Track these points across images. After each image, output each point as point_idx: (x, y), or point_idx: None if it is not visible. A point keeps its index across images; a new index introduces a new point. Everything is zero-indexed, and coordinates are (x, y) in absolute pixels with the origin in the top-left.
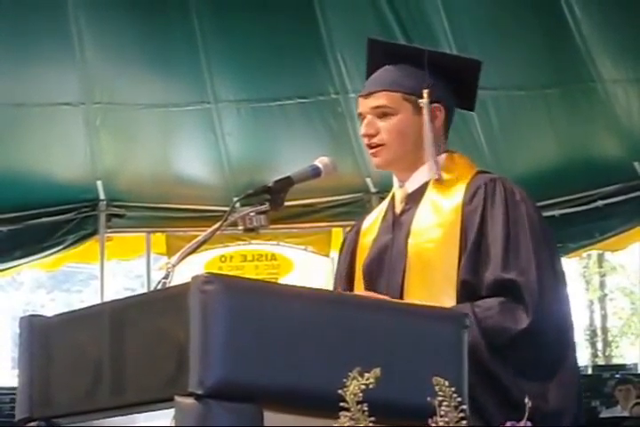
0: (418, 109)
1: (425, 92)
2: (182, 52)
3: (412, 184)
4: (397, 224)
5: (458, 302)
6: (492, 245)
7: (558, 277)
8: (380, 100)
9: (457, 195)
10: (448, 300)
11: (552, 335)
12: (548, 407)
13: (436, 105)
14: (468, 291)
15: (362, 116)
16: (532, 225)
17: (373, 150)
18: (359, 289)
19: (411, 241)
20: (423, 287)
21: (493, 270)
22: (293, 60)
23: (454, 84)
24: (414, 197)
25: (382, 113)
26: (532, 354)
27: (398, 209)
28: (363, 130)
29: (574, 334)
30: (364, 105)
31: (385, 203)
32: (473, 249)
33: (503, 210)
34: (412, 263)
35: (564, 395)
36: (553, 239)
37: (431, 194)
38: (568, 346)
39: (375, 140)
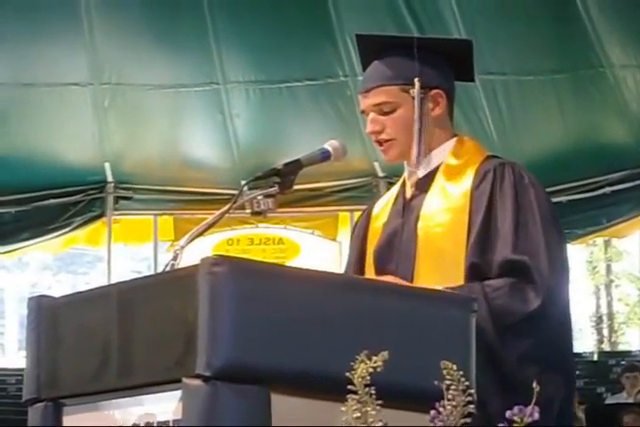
0: (418, 98)
1: (416, 80)
2: (191, 32)
3: (423, 169)
4: (408, 209)
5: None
6: (500, 228)
7: (564, 263)
8: (379, 96)
9: (466, 180)
10: (458, 283)
11: (558, 320)
12: (541, 393)
13: (436, 91)
14: (475, 273)
15: (365, 113)
16: (542, 209)
17: (383, 147)
18: (370, 274)
19: (420, 226)
20: (433, 271)
21: (503, 252)
22: (303, 42)
23: (450, 65)
24: (424, 183)
25: (384, 109)
26: (537, 337)
27: (409, 194)
28: (368, 128)
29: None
30: (365, 103)
31: (396, 188)
32: (480, 232)
33: (512, 194)
34: (422, 248)
35: (559, 381)
36: (561, 225)
37: (441, 179)
38: (570, 331)
39: (383, 136)
